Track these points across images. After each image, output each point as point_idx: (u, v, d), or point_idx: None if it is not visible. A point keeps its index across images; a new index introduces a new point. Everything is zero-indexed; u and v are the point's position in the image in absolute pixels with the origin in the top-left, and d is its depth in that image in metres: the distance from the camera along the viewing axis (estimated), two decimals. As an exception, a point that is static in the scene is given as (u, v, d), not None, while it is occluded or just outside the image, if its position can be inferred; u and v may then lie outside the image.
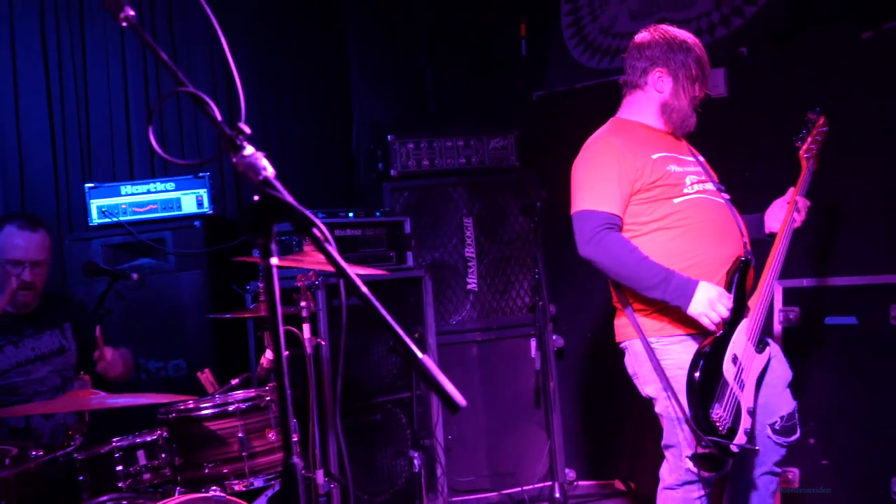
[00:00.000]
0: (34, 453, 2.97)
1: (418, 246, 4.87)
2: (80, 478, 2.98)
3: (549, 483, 4.80)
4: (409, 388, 4.62)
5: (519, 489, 4.88)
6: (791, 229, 3.26)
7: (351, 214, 4.65)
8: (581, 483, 5.10)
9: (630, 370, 3.26)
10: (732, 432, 3.03)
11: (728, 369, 3.05)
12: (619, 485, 5.01)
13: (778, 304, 4.09)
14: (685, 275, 3.02)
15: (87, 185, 4.47)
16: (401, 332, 1.42)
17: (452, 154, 5.04)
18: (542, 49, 5.45)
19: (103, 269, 3.96)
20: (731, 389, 3.06)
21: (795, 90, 4.25)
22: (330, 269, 3.78)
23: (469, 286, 5.00)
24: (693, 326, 3.11)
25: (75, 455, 2.99)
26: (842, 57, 4.25)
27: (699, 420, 3.00)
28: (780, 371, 3.24)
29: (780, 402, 3.22)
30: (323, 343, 3.84)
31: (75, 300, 4.05)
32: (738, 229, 3.21)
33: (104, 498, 2.91)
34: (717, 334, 3.07)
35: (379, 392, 4.56)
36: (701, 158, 3.36)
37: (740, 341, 3.09)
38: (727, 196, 3.27)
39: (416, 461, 4.41)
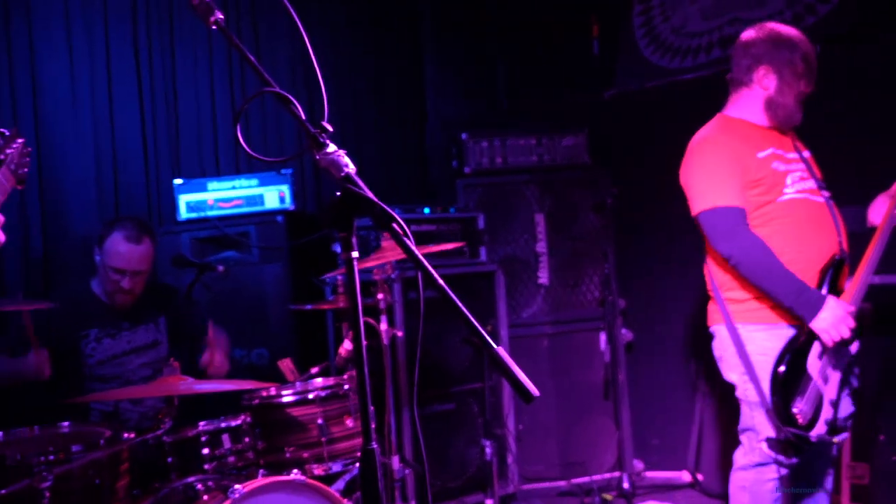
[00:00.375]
0: (126, 435, 3.00)
1: (491, 241, 4.90)
2: (169, 459, 3.03)
3: (617, 473, 4.82)
4: (481, 379, 4.64)
5: (588, 479, 4.87)
6: (891, 225, 3.19)
7: (426, 210, 4.70)
8: (648, 474, 5.09)
9: (716, 353, 3.29)
10: (812, 423, 3.04)
11: (813, 365, 3.06)
12: (686, 476, 4.97)
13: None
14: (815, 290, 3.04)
15: (176, 181, 4.55)
16: (476, 323, 1.43)
17: (525, 152, 5.06)
18: (614, 49, 5.43)
19: (191, 262, 4.01)
20: (815, 383, 3.07)
21: (870, 87, 4.15)
22: (404, 261, 3.83)
23: (540, 280, 5.00)
24: (781, 318, 3.11)
25: (164, 438, 3.03)
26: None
27: (780, 412, 3.02)
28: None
29: (842, 404, 3.21)
30: (399, 334, 3.87)
31: (173, 290, 4.09)
32: (835, 227, 3.20)
33: (191, 479, 2.96)
34: (806, 331, 3.09)
35: (452, 382, 4.60)
36: (806, 154, 3.34)
37: None
38: (827, 193, 3.25)
39: (487, 449, 4.42)
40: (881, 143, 3.98)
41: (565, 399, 4.94)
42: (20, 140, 2.36)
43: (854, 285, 3.13)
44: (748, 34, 3.29)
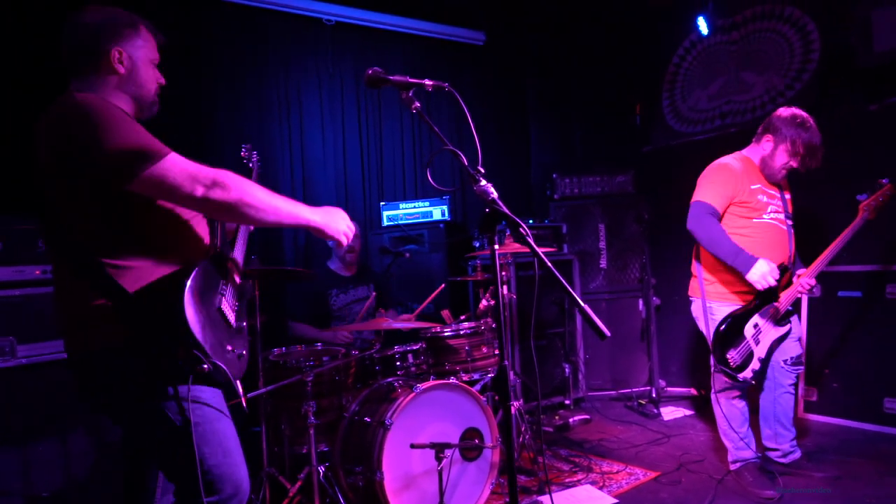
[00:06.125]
0: (353, 352, 3.18)
1: (570, 241, 4.99)
2: (377, 367, 3.20)
3: (648, 387, 4.90)
4: (563, 325, 4.76)
5: (629, 390, 4.98)
6: (849, 235, 3.01)
7: (530, 221, 4.84)
8: (669, 389, 5.16)
9: (694, 314, 3.25)
10: (740, 369, 3.00)
11: (748, 330, 3.01)
12: (693, 391, 5.05)
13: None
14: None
15: (381, 203, 4.79)
16: (570, 289, 1.51)
17: (593, 185, 5.13)
18: (650, 120, 5.45)
19: (390, 251, 4.23)
20: (747, 342, 3.00)
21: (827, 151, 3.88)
22: (517, 252, 3.79)
23: (601, 266, 5.06)
24: (736, 297, 3.05)
25: (375, 355, 3.20)
26: (855, 123, 4.06)
27: (717, 356, 3.01)
28: (796, 330, 3.16)
29: (792, 348, 3.16)
30: (513, 297, 3.98)
31: (375, 270, 4.18)
32: (788, 248, 3.08)
33: (390, 379, 3.10)
34: (750, 306, 2.99)
35: (546, 327, 4.68)
36: (787, 196, 3.13)
37: (764, 316, 3.03)
38: (790, 223, 3.12)
39: (566, 369, 4.61)
40: (812, 196, 3.74)
41: (615, 340, 4.97)
42: (255, 152, 2.43)
43: (789, 291, 3.03)
44: (782, 110, 3.02)
